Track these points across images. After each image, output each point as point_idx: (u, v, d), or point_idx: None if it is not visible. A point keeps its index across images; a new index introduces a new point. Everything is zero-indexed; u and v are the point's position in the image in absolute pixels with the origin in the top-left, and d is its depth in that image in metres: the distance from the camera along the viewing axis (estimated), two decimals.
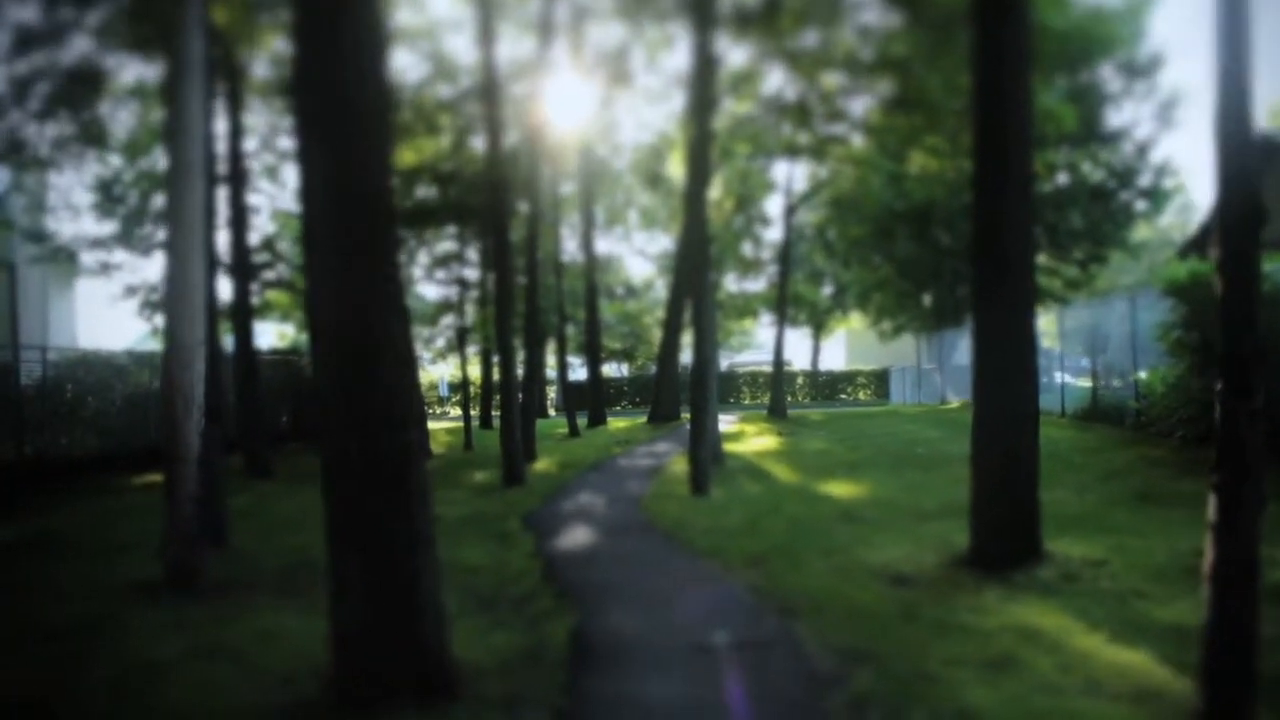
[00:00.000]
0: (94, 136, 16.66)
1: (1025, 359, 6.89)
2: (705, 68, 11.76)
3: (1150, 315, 14.08)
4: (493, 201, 14.79)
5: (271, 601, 6.66)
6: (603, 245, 42.96)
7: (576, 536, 9.10)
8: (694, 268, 12.24)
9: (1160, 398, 12.59)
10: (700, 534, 8.61)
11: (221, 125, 15.44)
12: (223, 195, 15.96)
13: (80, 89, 14.07)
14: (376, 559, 4.53)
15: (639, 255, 47.73)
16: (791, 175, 27.44)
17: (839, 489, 11.69)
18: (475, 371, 29.40)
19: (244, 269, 16.72)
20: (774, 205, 32.15)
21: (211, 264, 8.70)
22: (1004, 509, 6.81)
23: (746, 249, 34.95)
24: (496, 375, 23.87)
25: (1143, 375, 13.95)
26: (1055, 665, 4.65)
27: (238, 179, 16.32)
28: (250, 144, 17.85)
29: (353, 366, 4.56)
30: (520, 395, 16.65)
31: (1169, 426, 12.19)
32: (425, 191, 20.53)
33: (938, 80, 12.58)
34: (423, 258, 26.09)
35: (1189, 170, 71.57)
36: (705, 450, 11.86)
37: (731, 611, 5.96)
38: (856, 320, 47.87)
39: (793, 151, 24.40)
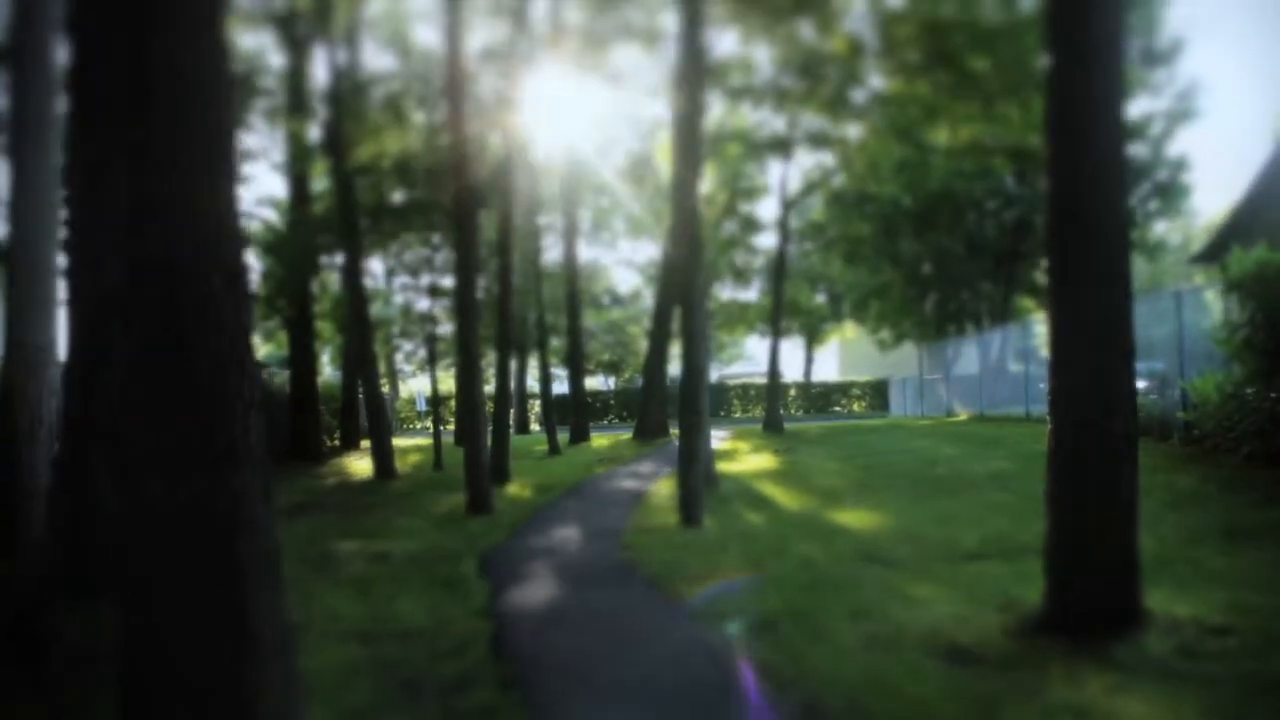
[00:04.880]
0: None
1: (1121, 359, 5.13)
2: (694, 27, 10.14)
3: (1198, 315, 12.62)
4: (457, 195, 13.14)
5: None
6: (588, 253, 41.51)
7: (541, 586, 7.41)
8: (684, 266, 10.60)
9: (1216, 408, 11.02)
10: (693, 583, 6.93)
11: None
12: None
13: None
14: (189, 672, 2.88)
15: (625, 265, 46.04)
16: (786, 178, 25.85)
17: (854, 519, 10.02)
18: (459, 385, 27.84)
19: None
20: (767, 211, 30.60)
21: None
22: (1095, 557, 5.12)
23: (738, 258, 33.47)
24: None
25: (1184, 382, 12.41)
26: None
27: None
28: None
29: (154, 359, 2.93)
30: (490, 409, 15.00)
31: (1230, 441, 10.62)
32: (393, 194, 19.05)
33: (962, 36, 10.97)
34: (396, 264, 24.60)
35: (1200, 166, 69.79)
36: (697, 474, 10.20)
37: (741, 714, 4.29)
38: (851, 329, 46.39)
39: (787, 148, 22.89)
